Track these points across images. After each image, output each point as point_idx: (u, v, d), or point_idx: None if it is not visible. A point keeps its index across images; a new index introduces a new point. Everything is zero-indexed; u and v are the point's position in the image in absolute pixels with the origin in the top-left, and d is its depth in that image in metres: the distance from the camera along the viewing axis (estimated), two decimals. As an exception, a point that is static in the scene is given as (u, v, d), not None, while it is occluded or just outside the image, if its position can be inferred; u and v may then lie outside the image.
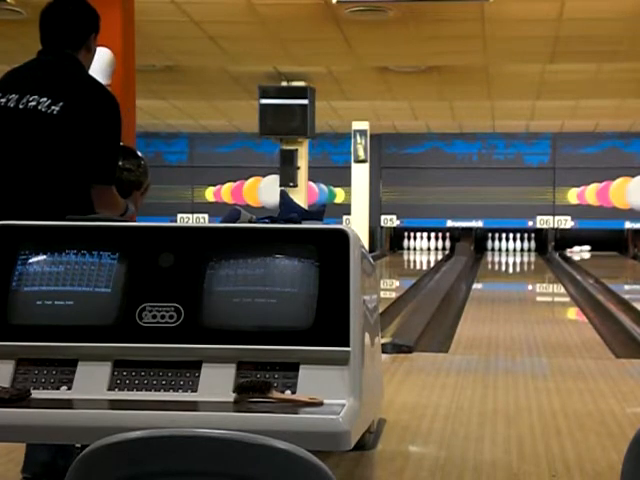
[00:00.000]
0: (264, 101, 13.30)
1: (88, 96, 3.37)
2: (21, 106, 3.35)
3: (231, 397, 2.72)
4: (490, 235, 21.91)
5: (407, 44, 10.79)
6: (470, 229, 21.77)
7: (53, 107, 3.32)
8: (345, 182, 19.84)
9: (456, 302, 11.62)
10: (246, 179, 21.93)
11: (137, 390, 2.80)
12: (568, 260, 19.30)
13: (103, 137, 3.39)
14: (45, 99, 3.32)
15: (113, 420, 2.63)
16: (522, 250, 21.71)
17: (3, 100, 3.38)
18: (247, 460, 1.54)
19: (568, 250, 21.34)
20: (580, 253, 21.32)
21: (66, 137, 3.33)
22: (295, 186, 14.13)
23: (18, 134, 3.37)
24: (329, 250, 2.89)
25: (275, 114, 13.30)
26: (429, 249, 21.99)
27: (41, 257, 2.99)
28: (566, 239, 21.59)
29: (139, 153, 4.06)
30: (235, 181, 22.02)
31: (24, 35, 10.14)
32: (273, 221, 3.22)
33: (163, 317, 2.85)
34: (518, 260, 20.64)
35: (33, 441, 3.28)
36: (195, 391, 2.79)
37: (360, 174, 18.94)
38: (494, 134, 20.95)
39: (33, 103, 3.33)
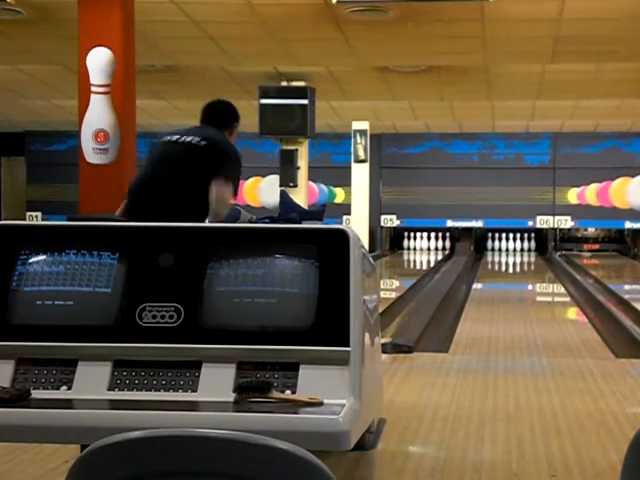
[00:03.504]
0: (264, 101, 13.29)
1: (225, 144, 4.91)
2: (180, 141, 4.81)
3: (231, 397, 2.72)
4: (490, 235, 21.89)
5: (407, 44, 10.78)
6: (470, 229, 21.74)
7: (202, 142, 4.77)
8: (345, 182, 19.81)
9: (456, 302, 11.61)
10: (246, 179, 21.92)
11: (137, 390, 2.80)
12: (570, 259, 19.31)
13: (231, 169, 4.86)
14: (197, 138, 4.78)
15: (113, 420, 2.63)
16: (522, 250, 21.69)
17: (168, 137, 4.88)
18: (247, 460, 1.54)
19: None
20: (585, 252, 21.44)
21: (206, 161, 4.73)
22: (295, 186, 14.11)
23: (174, 157, 4.78)
24: (329, 250, 2.89)
25: (275, 114, 13.28)
26: (429, 249, 21.97)
27: (41, 257, 2.99)
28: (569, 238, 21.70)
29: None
30: (235, 181, 21.99)
31: (24, 35, 10.14)
32: (273, 221, 3.22)
33: (163, 317, 2.85)
34: (518, 260, 20.62)
35: (33, 441, 3.29)
36: (195, 391, 2.79)
37: (360, 174, 18.92)
38: (494, 134, 20.93)
39: (188, 139, 4.79)
